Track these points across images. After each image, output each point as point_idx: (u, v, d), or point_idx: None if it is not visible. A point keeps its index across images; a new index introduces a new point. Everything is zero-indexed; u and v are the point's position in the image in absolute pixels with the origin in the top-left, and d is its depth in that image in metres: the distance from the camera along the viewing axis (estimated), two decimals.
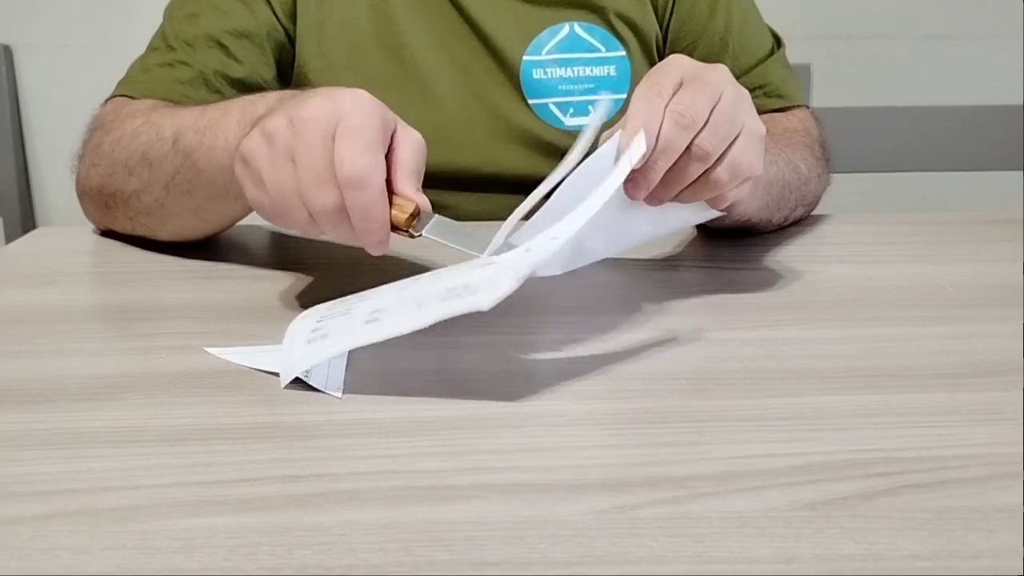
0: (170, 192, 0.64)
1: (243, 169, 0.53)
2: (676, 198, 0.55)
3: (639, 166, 0.51)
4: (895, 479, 0.38)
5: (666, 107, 0.51)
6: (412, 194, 0.51)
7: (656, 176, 0.52)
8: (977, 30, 1.56)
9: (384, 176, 0.50)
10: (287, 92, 0.59)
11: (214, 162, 0.59)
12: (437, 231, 0.53)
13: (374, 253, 0.52)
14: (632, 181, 0.52)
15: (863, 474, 0.38)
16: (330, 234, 0.51)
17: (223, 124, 0.59)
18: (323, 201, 0.49)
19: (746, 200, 0.60)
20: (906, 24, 1.56)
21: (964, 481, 0.38)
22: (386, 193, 0.50)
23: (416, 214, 0.51)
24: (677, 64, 0.55)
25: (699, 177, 0.53)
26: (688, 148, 0.52)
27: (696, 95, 0.52)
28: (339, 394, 0.45)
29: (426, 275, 0.51)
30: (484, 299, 0.44)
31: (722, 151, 0.53)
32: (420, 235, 0.52)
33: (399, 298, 0.49)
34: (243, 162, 0.53)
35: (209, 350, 0.50)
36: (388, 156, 0.51)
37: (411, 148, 0.52)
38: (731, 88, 0.54)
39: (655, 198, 0.54)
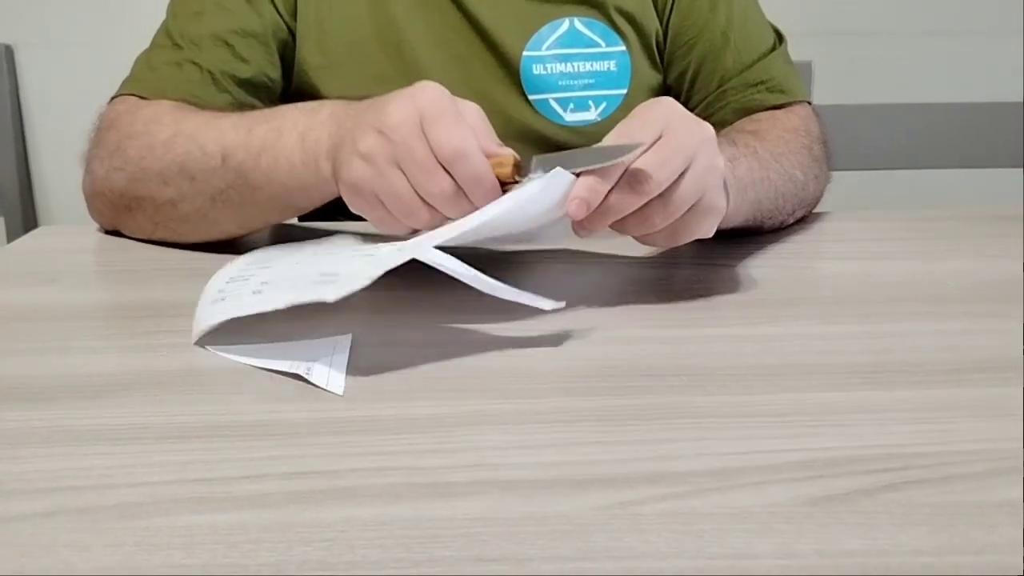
0: (216, 204, 0.66)
1: (357, 198, 0.56)
2: (618, 228, 0.56)
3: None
4: (897, 475, 0.38)
5: (627, 167, 0.53)
6: (500, 150, 0.54)
7: (598, 226, 0.54)
8: (977, 27, 1.55)
9: (478, 143, 0.53)
10: (338, 107, 0.62)
11: (277, 183, 0.63)
12: (541, 168, 0.54)
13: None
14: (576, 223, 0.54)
15: (865, 470, 0.38)
16: (453, 215, 0.54)
17: (281, 148, 0.62)
18: (439, 188, 0.53)
19: (727, 219, 0.60)
20: (906, 21, 1.55)
21: (966, 477, 0.38)
22: (484, 156, 0.53)
23: (517, 164, 0.54)
24: (662, 112, 0.55)
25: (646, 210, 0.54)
26: (638, 209, 0.53)
27: (665, 160, 0.53)
28: (340, 391, 0.45)
29: (325, 242, 0.57)
30: (331, 292, 0.47)
31: (667, 223, 0.55)
32: (529, 179, 0.54)
33: (287, 272, 0.54)
34: (355, 192, 0.56)
35: (211, 348, 0.50)
36: None
37: (477, 115, 0.56)
38: (705, 156, 0.54)
39: (584, 228, 0.55)
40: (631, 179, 0.52)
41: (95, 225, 0.76)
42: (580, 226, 0.55)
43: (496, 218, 0.52)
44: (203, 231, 0.69)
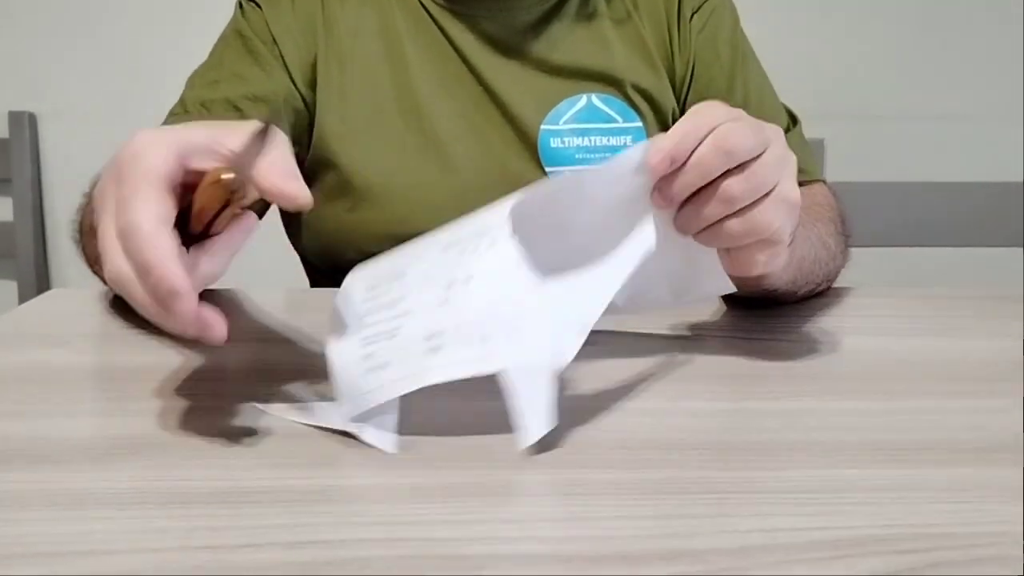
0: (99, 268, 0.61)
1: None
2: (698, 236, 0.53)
3: (666, 173, 0.50)
4: (926, 556, 0.36)
5: (713, 129, 0.50)
6: (207, 165, 0.42)
7: (681, 190, 0.50)
8: (981, 111, 1.58)
9: (159, 216, 0.40)
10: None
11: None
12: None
13: (211, 343, 0.42)
14: (657, 189, 0.51)
15: (892, 550, 0.37)
16: (166, 327, 0.43)
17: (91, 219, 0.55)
18: (140, 297, 0.41)
19: (778, 272, 0.59)
20: (915, 104, 1.58)
21: (997, 560, 0.36)
22: (164, 233, 0.40)
23: (225, 183, 0.41)
24: (726, 108, 0.52)
25: (715, 223, 0.52)
26: (715, 184, 0.50)
27: (745, 132, 0.50)
28: (393, 450, 0.45)
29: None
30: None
31: (749, 202, 0.51)
32: (244, 198, 0.42)
33: (455, 316, 0.45)
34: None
35: (257, 405, 0.50)
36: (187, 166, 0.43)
37: (202, 131, 0.45)
38: (779, 148, 0.52)
39: (665, 198, 0.51)
40: (716, 140, 0.49)
41: (106, 289, 0.76)
42: (667, 188, 0.50)
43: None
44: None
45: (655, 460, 0.45)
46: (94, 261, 0.62)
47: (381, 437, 0.46)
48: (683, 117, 0.51)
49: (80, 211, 0.72)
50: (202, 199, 0.42)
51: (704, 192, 0.51)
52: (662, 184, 0.51)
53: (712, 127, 0.50)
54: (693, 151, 0.50)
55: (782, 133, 0.53)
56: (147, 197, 0.40)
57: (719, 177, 0.50)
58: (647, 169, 0.51)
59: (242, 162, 0.41)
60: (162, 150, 0.42)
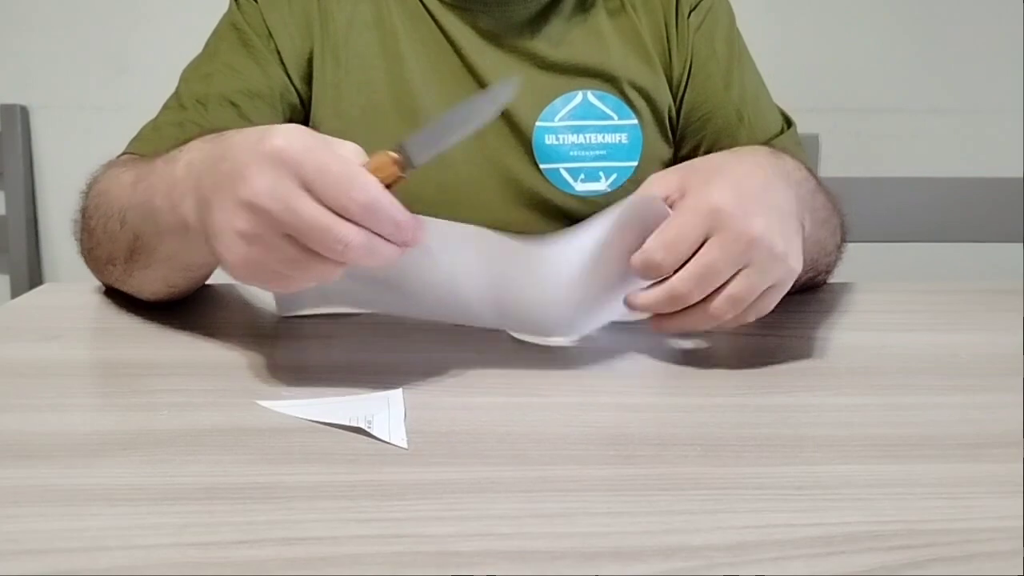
0: (131, 265, 0.65)
1: (251, 277, 0.50)
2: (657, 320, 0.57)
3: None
4: (920, 552, 0.36)
5: (699, 247, 0.53)
6: (373, 156, 0.50)
7: (656, 309, 0.55)
8: (979, 105, 1.58)
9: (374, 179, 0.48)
10: (194, 153, 0.55)
11: (165, 246, 0.59)
12: (427, 154, 0.51)
13: (415, 244, 0.49)
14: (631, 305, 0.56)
15: (886, 547, 0.37)
16: (368, 263, 0.48)
17: (157, 208, 0.57)
18: (347, 242, 0.47)
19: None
20: (911, 98, 1.58)
21: (992, 555, 0.36)
22: (389, 195, 0.48)
23: (397, 162, 0.50)
24: (733, 179, 0.56)
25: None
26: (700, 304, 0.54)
27: (724, 255, 0.53)
28: (404, 444, 0.45)
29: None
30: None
31: (733, 315, 0.55)
32: (416, 167, 0.51)
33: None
34: (248, 274, 0.50)
35: (262, 403, 0.50)
36: None
37: (347, 149, 0.51)
38: (764, 249, 0.54)
39: (637, 307, 0.56)
40: (698, 270, 0.53)
41: (98, 283, 0.76)
42: (642, 299, 0.55)
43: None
44: (143, 290, 0.68)
45: (649, 456, 0.45)
46: (139, 252, 0.63)
47: (392, 432, 0.46)
48: (678, 215, 0.54)
49: (84, 212, 0.71)
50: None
51: (688, 310, 0.55)
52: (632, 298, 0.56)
53: (697, 243, 0.53)
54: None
55: (763, 233, 0.54)
56: (361, 175, 0.48)
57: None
58: (633, 261, 0.54)
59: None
60: (324, 142, 0.50)
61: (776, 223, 0.55)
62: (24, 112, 1.50)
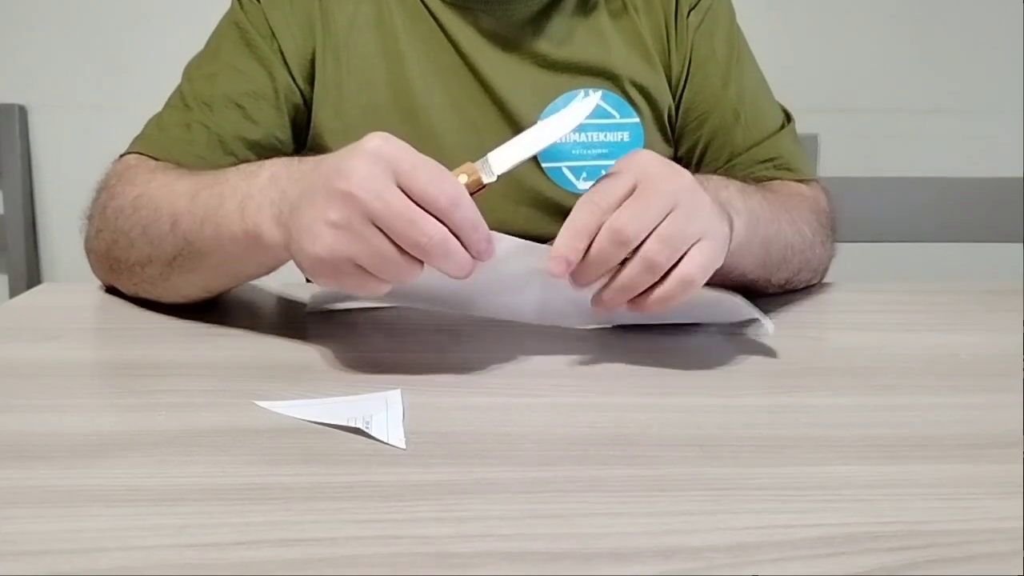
0: (173, 269, 0.65)
1: (327, 268, 0.52)
2: (629, 306, 0.56)
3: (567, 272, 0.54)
4: (919, 553, 0.36)
5: (607, 214, 0.53)
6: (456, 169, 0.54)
7: (589, 279, 0.54)
8: (979, 105, 1.58)
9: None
10: (279, 168, 0.58)
11: (221, 251, 0.61)
12: (506, 164, 0.56)
13: (486, 258, 0.52)
14: (573, 281, 0.55)
15: (886, 547, 0.36)
16: (444, 264, 0.51)
17: (222, 216, 0.59)
18: (427, 237, 0.50)
19: (737, 260, 0.61)
20: (910, 98, 1.58)
21: (991, 556, 0.36)
22: (474, 203, 0.52)
23: (476, 172, 0.55)
24: (635, 163, 0.55)
25: (648, 289, 0.54)
26: (637, 257, 0.53)
27: (641, 210, 0.53)
28: (402, 445, 0.45)
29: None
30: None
31: (674, 260, 0.53)
32: (496, 179, 0.56)
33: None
34: (324, 263, 0.52)
35: (260, 403, 0.50)
36: None
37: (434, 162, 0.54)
38: (687, 196, 0.54)
39: (602, 303, 0.56)
40: (609, 232, 0.52)
41: (97, 283, 0.76)
42: (574, 277, 0.54)
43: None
44: (171, 294, 0.68)
45: (648, 457, 0.45)
46: (193, 255, 0.63)
47: (390, 433, 0.46)
48: (578, 203, 0.55)
49: (104, 212, 0.70)
50: None
51: (628, 264, 0.54)
52: (571, 276, 0.54)
53: (604, 212, 0.53)
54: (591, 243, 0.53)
55: (687, 177, 0.55)
56: (449, 177, 0.51)
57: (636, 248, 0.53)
58: (548, 263, 0.53)
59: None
60: (413, 151, 0.52)
61: (697, 189, 0.56)
62: (23, 111, 1.50)
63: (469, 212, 0.51)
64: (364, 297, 0.62)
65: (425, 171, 0.51)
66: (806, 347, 0.64)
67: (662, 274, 0.54)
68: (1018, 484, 0.42)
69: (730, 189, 0.68)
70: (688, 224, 0.53)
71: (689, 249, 0.54)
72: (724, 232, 0.56)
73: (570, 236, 0.53)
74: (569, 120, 0.58)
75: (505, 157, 0.56)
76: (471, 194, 0.52)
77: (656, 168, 0.55)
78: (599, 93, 0.79)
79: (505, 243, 0.54)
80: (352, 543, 0.36)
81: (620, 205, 0.53)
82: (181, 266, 0.64)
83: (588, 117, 0.82)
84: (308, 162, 0.57)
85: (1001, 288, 0.81)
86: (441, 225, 0.50)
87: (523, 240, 0.55)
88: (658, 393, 0.54)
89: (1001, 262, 1.39)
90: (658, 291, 0.54)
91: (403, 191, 0.50)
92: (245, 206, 0.58)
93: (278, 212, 0.56)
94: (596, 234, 0.53)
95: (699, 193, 0.55)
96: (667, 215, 0.53)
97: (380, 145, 0.51)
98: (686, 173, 0.56)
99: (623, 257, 0.53)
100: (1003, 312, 0.74)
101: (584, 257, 0.53)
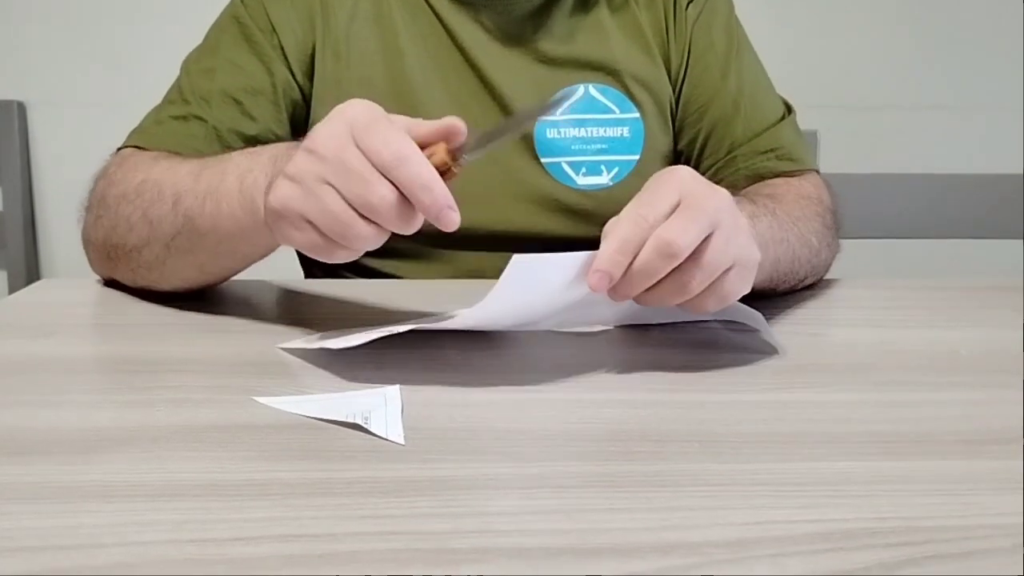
0: (171, 251, 0.65)
1: (280, 221, 0.53)
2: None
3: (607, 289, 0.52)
4: (918, 548, 0.36)
5: (655, 228, 0.51)
6: (430, 129, 0.53)
7: (629, 293, 0.53)
8: (979, 102, 1.58)
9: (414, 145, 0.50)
10: (280, 148, 0.59)
11: (219, 229, 0.61)
12: (479, 149, 0.53)
13: (449, 227, 0.50)
14: (609, 290, 0.53)
15: (885, 543, 0.36)
16: (398, 228, 0.51)
17: (222, 192, 0.60)
18: (378, 196, 0.49)
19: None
20: (910, 95, 1.58)
21: (990, 552, 0.36)
22: (427, 160, 0.50)
23: (451, 151, 0.52)
24: (677, 179, 0.54)
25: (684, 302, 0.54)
26: (672, 276, 0.52)
27: (688, 224, 0.51)
28: (401, 440, 0.45)
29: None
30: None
31: (707, 285, 0.53)
32: (467, 161, 0.53)
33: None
34: (278, 215, 0.53)
35: (258, 399, 0.50)
36: None
37: (406, 120, 0.54)
38: (728, 218, 0.53)
39: (618, 295, 0.54)
40: (657, 244, 0.51)
41: (95, 279, 0.76)
42: (615, 291, 0.52)
43: (515, 306, 0.53)
44: (167, 279, 0.68)
45: (647, 453, 0.45)
46: (200, 232, 0.63)
47: (389, 429, 0.46)
48: (622, 217, 0.52)
49: (102, 202, 0.70)
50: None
51: (661, 283, 0.52)
52: (611, 291, 0.52)
53: (652, 226, 0.51)
54: (635, 256, 0.51)
55: (726, 196, 0.54)
56: (404, 136, 0.50)
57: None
58: (589, 277, 0.51)
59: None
60: (380, 109, 0.52)
61: (735, 211, 0.56)
62: (21, 108, 1.50)
63: (416, 169, 0.49)
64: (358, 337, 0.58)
65: (379, 129, 0.50)
66: (806, 343, 0.64)
67: (692, 296, 0.53)
68: (1017, 480, 0.42)
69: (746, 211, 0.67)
70: (727, 248, 0.53)
71: (723, 275, 0.53)
72: (756, 258, 0.56)
73: (616, 250, 0.51)
74: (541, 110, 0.57)
75: (477, 141, 0.54)
76: (442, 174, 0.51)
77: (698, 185, 0.54)
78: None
79: (538, 265, 0.51)
80: (351, 539, 0.36)
81: (666, 220, 0.52)
82: (180, 246, 0.64)
83: (588, 113, 0.82)
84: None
85: (1001, 284, 0.81)
86: (391, 187, 0.49)
87: (549, 255, 0.52)
88: (657, 389, 0.54)
89: (1001, 258, 1.39)
90: (682, 303, 0.54)
91: (360, 151, 0.50)
92: (243, 179, 0.59)
93: (268, 184, 0.56)
94: (640, 248, 0.51)
95: (738, 215, 0.55)
96: (709, 235, 0.52)
97: (348, 107, 0.51)
98: (725, 192, 0.55)
99: (669, 270, 0.52)
100: (1003, 308, 0.74)
101: (627, 270, 0.52)
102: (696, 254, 0.52)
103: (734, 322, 0.65)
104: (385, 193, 0.49)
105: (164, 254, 0.65)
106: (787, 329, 0.66)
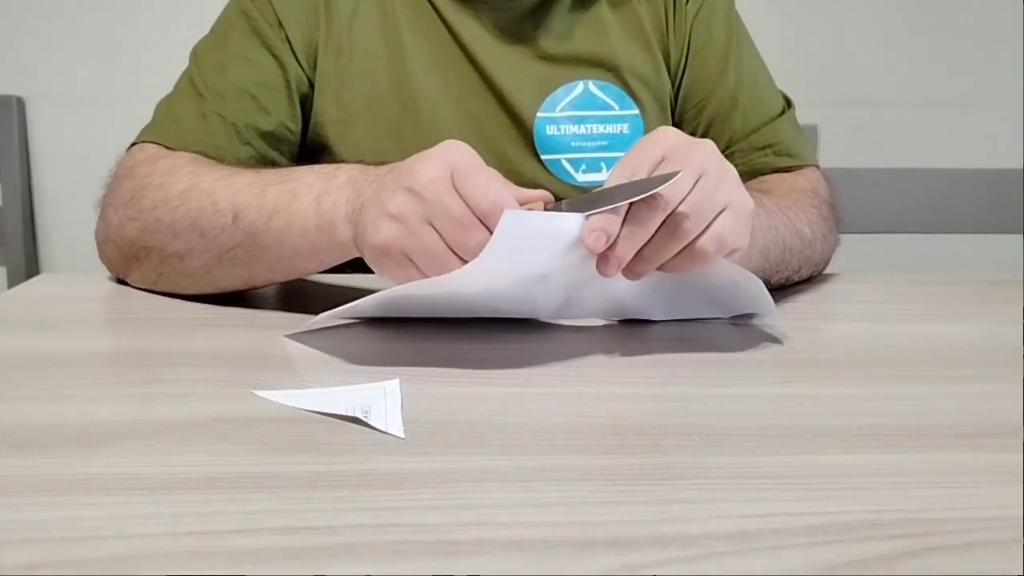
0: (223, 262, 0.66)
1: (383, 258, 0.55)
2: (661, 268, 0.55)
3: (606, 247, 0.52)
4: (917, 541, 0.36)
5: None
6: (530, 195, 0.55)
7: (626, 254, 0.53)
8: (979, 97, 1.57)
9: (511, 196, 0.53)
10: (355, 171, 0.61)
11: (285, 245, 0.62)
12: (571, 210, 0.53)
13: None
14: (603, 258, 0.53)
15: (884, 535, 0.36)
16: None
17: (295, 211, 0.61)
18: (476, 242, 0.52)
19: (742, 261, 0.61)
20: (910, 90, 1.57)
21: (989, 544, 0.36)
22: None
23: (546, 207, 0.55)
24: (661, 138, 0.56)
25: (683, 249, 0.54)
26: (665, 224, 0.53)
27: (681, 156, 0.53)
28: (401, 434, 0.45)
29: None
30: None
31: (701, 229, 0.54)
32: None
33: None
34: (382, 252, 0.55)
35: (259, 393, 0.50)
36: None
37: (501, 176, 0.55)
38: (715, 165, 0.55)
39: (632, 272, 0.55)
40: (648, 200, 0.52)
41: (95, 273, 0.76)
42: (613, 250, 0.53)
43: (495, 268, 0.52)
44: (204, 285, 0.69)
45: (646, 446, 0.45)
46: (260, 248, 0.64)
47: (389, 422, 0.46)
48: (611, 175, 0.55)
49: (122, 204, 0.70)
50: None
51: (657, 235, 0.53)
52: (605, 252, 0.53)
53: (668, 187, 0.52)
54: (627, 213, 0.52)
55: (711, 146, 0.56)
56: (502, 187, 0.53)
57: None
58: (585, 241, 0.52)
59: None
60: (479, 157, 0.55)
61: (723, 160, 0.57)
62: (20, 103, 1.50)
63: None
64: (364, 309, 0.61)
65: (478, 177, 0.52)
66: (805, 337, 0.64)
67: (688, 241, 0.54)
68: (1016, 472, 0.42)
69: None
70: (717, 191, 0.54)
71: (715, 219, 0.54)
72: (749, 204, 0.57)
73: (608, 209, 0.52)
74: (644, 189, 0.53)
75: (575, 205, 0.54)
76: None
77: (681, 140, 0.56)
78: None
79: (530, 221, 0.52)
80: (350, 531, 0.36)
81: (652, 174, 0.54)
82: (235, 258, 0.65)
83: (588, 109, 0.82)
84: (383, 168, 0.59)
85: (1000, 279, 0.81)
86: (487, 233, 0.52)
87: (547, 214, 0.54)
88: (656, 383, 0.54)
89: (1001, 253, 1.39)
90: (682, 257, 0.55)
91: (461, 197, 0.52)
92: (321, 201, 0.60)
93: (351, 210, 0.58)
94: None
95: (725, 163, 0.56)
96: (696, 183, 0.53)
97: (447, 151, 0.54)
98: (711, 143, 0.56)
99: (660, 223, 0.53)
100: (1002, 303, 0.74)
101: (621, 228, 0.53)
102: (686, 200, 0.53)
103: (733, 316, 0.65)
104: (482, 239, 0.52)
105: (213, 263, 0.66)
106: (787, 323, 0.66)
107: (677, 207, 0.53)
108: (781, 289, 0.75)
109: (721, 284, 0.60)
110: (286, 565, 0.33)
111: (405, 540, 0.35)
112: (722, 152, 0.84)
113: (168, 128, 0.77)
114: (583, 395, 0.52)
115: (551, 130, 0.81)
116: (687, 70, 0.85)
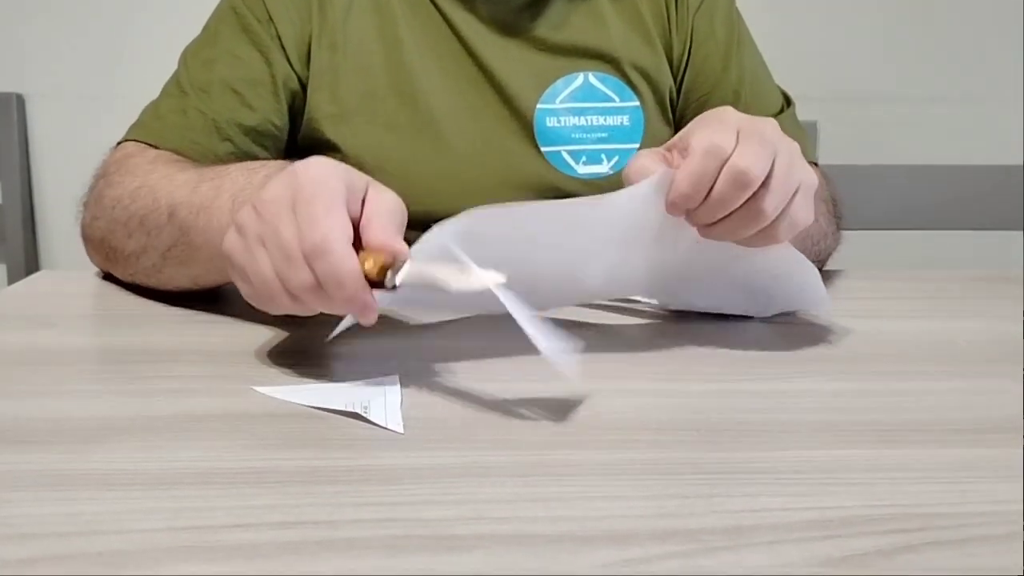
0: (167, 261, 0.65)
1: (231, 269, 0.51)
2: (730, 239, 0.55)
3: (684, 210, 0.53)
4: (915, 536, 0.36)
5: (726, 161, 0.52)
6: (384, 242, 0.47)
7: (706, 221, 0.53)
8: (979, 93, 1.57)
9: (349, 237, 0.47)
10: (274, 167, 0.58)
11: (211, 244, 0.59)
12: (413, 277, 0.47)
13: (365, 322, 0.48)
14: (670, 210, 0.53)
15: (882, 530, 0.37)
16: (321, 308, 0.49)
17: (215, 208, 0.59)
18: (298, 280, 0.47)
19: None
20: (910, 86, 1.57)
21: (987, 539, 0.36)
22: (353, 254, 0.46)
23: (388, 265, 0.47)
24: (729, 114, 0.55)
25: (758, 231, 0.54)
26: (746, 205, 0.52)
27: (759, 151, 0.52)
28: (400, 430, 0.45)
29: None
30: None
31: (780, 211, 0.53)
32: (395, 286, 0.47)
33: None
34: (226, 258, 0.51)
35: (258, 389, 0.50)
36: (360, 216, 0.49)
37: (384, 203, 0.49)
38: (784, 144, 0.54)
39: (702, 233, 0.55)
40: (733, 174, 0.51)
41: (94, 270, 0.76)
42: (693, 216, 0.53)
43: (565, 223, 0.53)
44: (163, 284, 0.68)
45: (645, 441, 0.45)
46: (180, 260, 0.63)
47: (388, 417, 0.46)
48: (693, 150, 0.53)
49: (100, 200, 0.70)
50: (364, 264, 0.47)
51: (735, 213, 0.53)
52: (687, 216, 0.53)
53: (724, 158, 0.52)
54: (712, 187, 0.52)
55: (776, 124, 0.55)
56: (335, 222, 0.46)
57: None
58: (667, 206, 0.53)
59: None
60: (339, 182, 0.48)
61: (785, 136, 0.55)
62: (20, 100, 1.50)
63: (329, 265, 0.46)
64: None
65: (316, 208, 0.46)
66: (804, 333, 0.64)
67: (767, 224, 0.54)
68: (1016, 468, 0.42)
69: None
70: (791, 171, 0.54)
71: (792, 199, 0.54)
72: (814, 180, 0.56)
73: (693, 183, 0.52)
74: (484, 304, 0.47)
75: (416, 273, 0.47)
76: (373, 286, 0.47)
77: (748, 117, 0.55)
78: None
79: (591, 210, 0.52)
80: (350, 526, 0.36)
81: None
82: (175, 257, 0.64)
83: (588, 101, 0.82)
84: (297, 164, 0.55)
85: (1000, 275, 0.81)
86: (310, 273, 0.46)
87: (611, 194, 0.53)
88: (655, 378, 0.54)
89: (1001, 250, 1.39)
90: (756, 235, 0.54)
91: (295, 224, 0.47)
92: (236, 197, 0.57)
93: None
94: (714, 180, 0.52)
95: (789, 140, 0.55)
96: (774, 160, 0.53)
97: (304, 169, 0.48)
98: (773, 120, 0.55)
99: (744, 199, 0.52)
100: (1002, 299, 0.74)
101: (704, 200, 0.52)
102: (766, 180, 0.52)
103: (735, 315, 0.65)
104: (304, 279, 0.47)
105: (160, 263, 0.65)
106: (785, 319, 0.66)
107: (759, 189, 0.52)
108: None
109: (776, 273, 0.60)
110: (285, 560, 0.34)
111: (404, 535, 0.35)
112: None
113: (150, 126, 0.77)
114: (580, 391, 0.52)
115: (551, 122, 0.81)
116: (689, 64, 0.85)
